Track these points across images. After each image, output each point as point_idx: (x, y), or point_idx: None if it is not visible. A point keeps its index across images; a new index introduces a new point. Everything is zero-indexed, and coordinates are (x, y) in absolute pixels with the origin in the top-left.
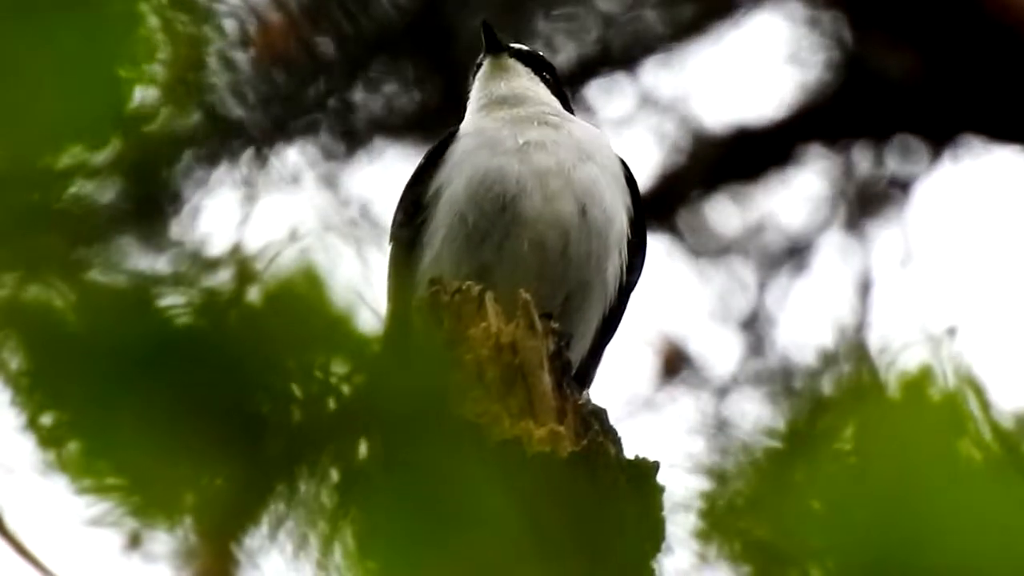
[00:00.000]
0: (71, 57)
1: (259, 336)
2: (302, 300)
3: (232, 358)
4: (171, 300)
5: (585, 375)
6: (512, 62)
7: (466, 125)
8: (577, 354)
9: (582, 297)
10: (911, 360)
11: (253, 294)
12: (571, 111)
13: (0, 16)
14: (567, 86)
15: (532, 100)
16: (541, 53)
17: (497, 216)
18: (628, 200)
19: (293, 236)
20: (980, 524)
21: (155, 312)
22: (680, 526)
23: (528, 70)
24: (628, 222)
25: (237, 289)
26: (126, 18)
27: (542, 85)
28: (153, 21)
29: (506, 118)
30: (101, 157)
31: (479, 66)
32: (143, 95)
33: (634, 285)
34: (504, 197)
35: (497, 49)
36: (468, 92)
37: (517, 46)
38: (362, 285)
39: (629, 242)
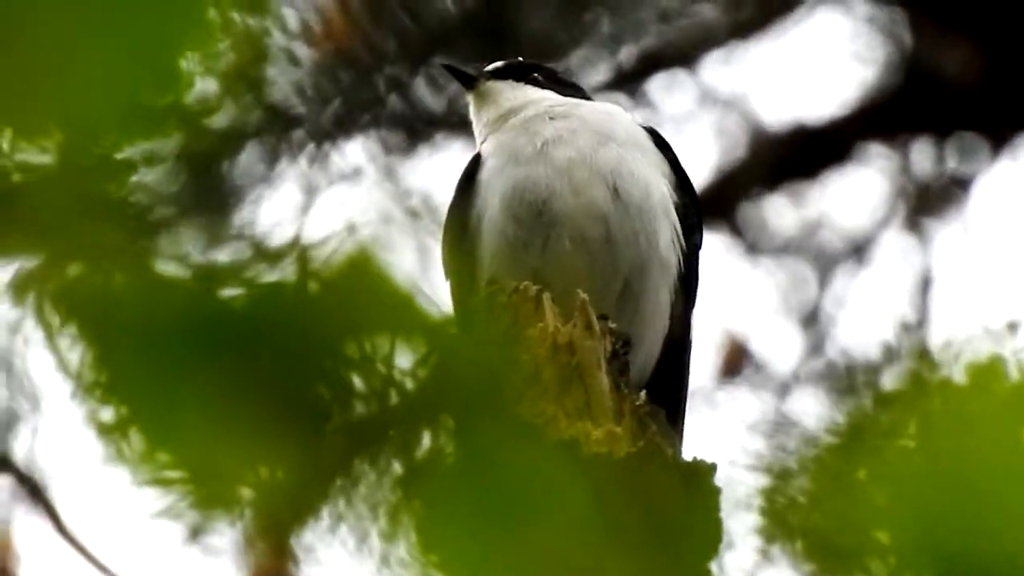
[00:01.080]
0: (134, 45)
1: (321, 324)
2: (364, 288)
3: (294, 347)
4: (233, 288)
5: (681, 345)
6: (491, 84)
7: (485, 146)
8: (657, 332)
9: (641, 278)
10: (975, 354)
11: (315, 282)
12: (584, 95)
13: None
14: (627, 82)
15: (529, 104)
16: (520, 59)
17: (535, 222)
18: (665, 166)
19: (354, 226)
20: None
21: (216, 301)
22: (741, 525)
23: (510, 82)
24: (671, 187)
25: (299, 277)
26: (189, 8)
27: (531, 87)
28: (215, 13)
29: (516, 125)
30: (162, 147)
31: (467, 105)
32: (205, 86)
33: (698, 247)
34: (537, 203)
35: (470, 81)
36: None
37: (491, 66)
38: (422, 274)
39: (679, 206)
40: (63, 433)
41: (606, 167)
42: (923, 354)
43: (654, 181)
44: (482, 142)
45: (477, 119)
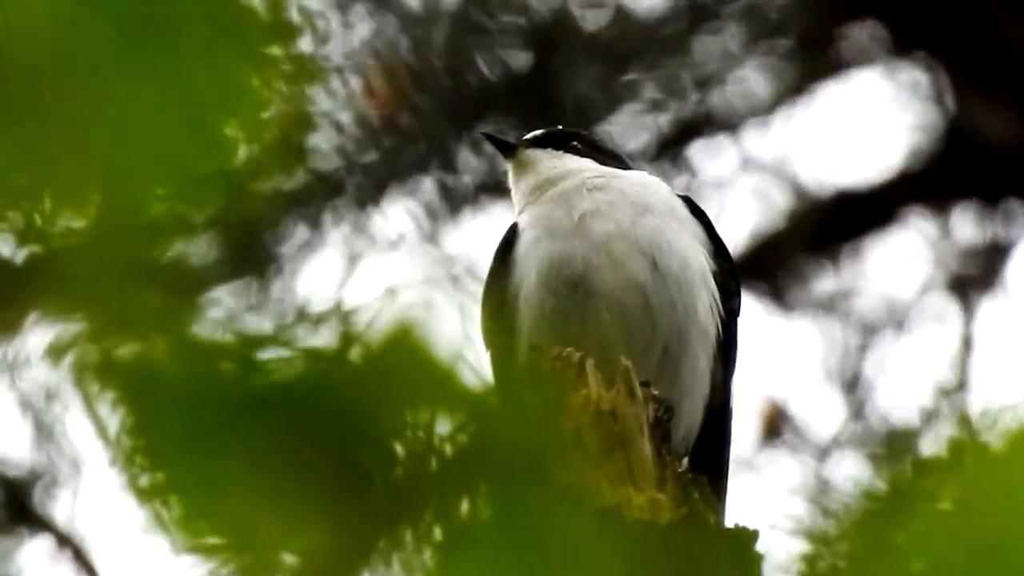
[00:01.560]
0: (177, 111)
1: (363, 392)
2: (407, 356)
3: (335, 414)
4: (275, 355)
5: (722, 412)
6: (530, 153)
7: (522, 217)
8: (697, 399)
9: (680, 345)
10: (1015, 421)
11: (358, 349)
12: (623, 164)
13: (109, 67)
14: (669, 147)
15: (568, 174)
16: (560, 127)
17: (572, 296)
18: (702, 234)
19: (396, 292)
20: None
21: (258, 367)
22: None
23: (549, 151)
24: (709, 255)
25: (342, 344)
26: (235, 75)
27: (570, 156)
28: (262, 80)
29: (554, 196)
30: (204, 214)
31: (506, 173)
32: (249, 152)
33: (737, 313)
34: (574, 278)
35: (510, 150)
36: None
37: (531, 135)
38: (464, 342)
39: (717, 273)
40: (104, 498)
41: (644, 239)
42: (963, 420)
43: (692, 251)
44: (520, 212)
45: (516, 188)
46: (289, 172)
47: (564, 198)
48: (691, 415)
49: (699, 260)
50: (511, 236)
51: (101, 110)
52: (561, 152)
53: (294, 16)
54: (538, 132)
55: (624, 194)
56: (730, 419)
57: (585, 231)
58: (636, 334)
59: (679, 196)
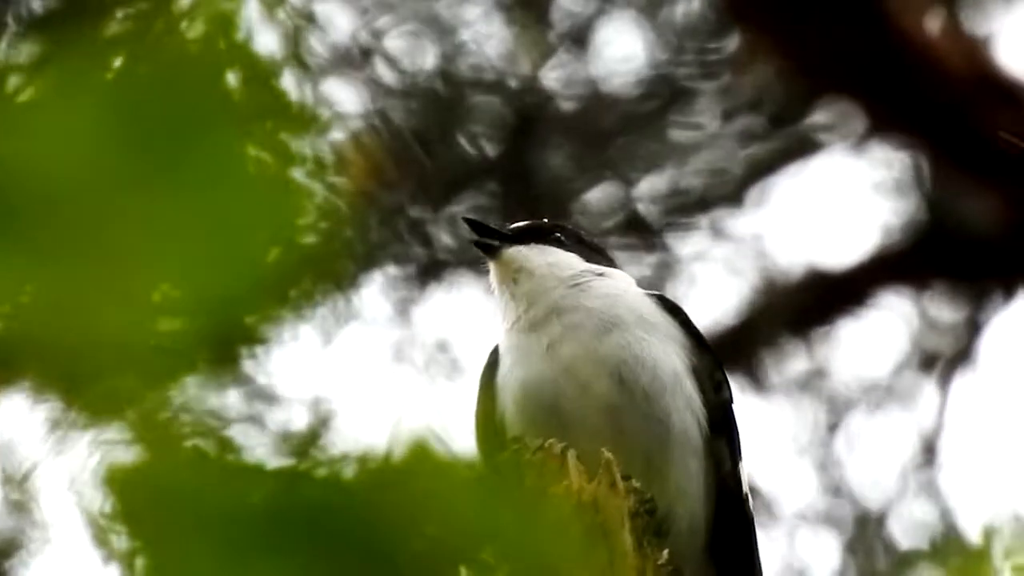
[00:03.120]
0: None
1: (383, 514)
2: (426, 475)
3: (358, 531)
4: (292, 480)
5: (738, 498)
6: (512, 252)
7: (501, 343)
8: (693, 499)
9: (662, 454)
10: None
11: (376, 472)
12: (607, 257)
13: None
14: (644, 227)
15: (549, 278)
16: (545, 220)
17: (549, 422)
18: (678, 333)
19: (403, 418)
20: None
21: (275, 493)
22: None
23: (532, 247)
24: (688, 351)
25: (343, 460)
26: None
27: (554, 250)
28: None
29: (524, 326)
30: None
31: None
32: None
33: (729, 401)
34: (546, 405)
35: (490, 249)
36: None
37: (515, 226)
38: (452, 440)
39: (698, 368)
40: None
41: (610, 359)
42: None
43: (663, 358)
44: (505, 320)
45: (498, 293)
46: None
47: (535, 324)
48: (690, 516)
49: (671, 365)
50: (493, 360)
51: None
52: (545, 247)
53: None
54: (522, 224)
55: (591, 312)
56: (747, 504)
57: (554, 356)
58: (615, 451)
59: (652, 295)
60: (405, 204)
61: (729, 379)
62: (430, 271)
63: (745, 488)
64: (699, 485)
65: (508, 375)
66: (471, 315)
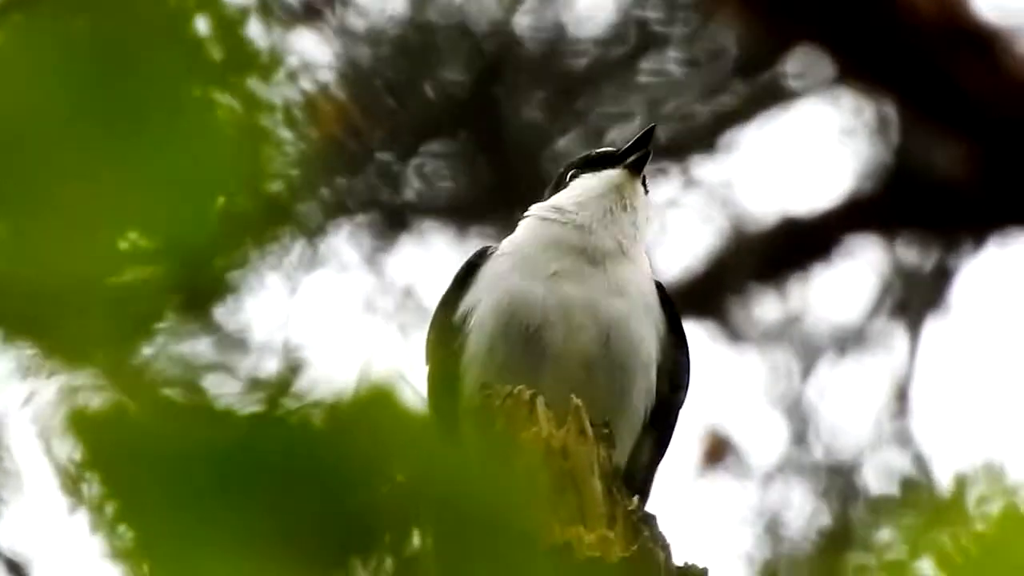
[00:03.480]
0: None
1: (339, 449)
2: (382, 413)
3: (311, 472)
4: (248, 413)
5: (641, 496)
6: (642, 189)
7: (506, 242)
8: None
9: (613, 420)
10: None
11: (328, 413)
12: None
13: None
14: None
15: (629, 230)
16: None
17: (522, 343)
18: (663, 326)
19: (368, 360)
20: None
21: (228, 430)
22: None
23: (645, 191)
24: (665, 347)
25: (307, 408)
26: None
27: (647, 200)
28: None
29: (548, 242)
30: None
31: (593, 162)
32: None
33: (680, 404)
34: (528, 325)
35: (638, 168)
36: (560, 181)
37: (639, 155)
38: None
39: (667, 364)
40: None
41: (605, 316)
42: (925, 484)
43: (646, 342)
44: (549, 207)
45: (596, 194)
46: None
47: (559, 245)
48: None
49: (648, 351)
50: (478, 259)
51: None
52: (647, 197)
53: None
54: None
55: (607, 274)
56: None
57: (555, 286)
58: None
59: (656, 281)
60: (374, 151)
61: (690, 384)
62: (399, 219)
63: (650, 490)
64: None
65: (499, 276)
66: (439, 264)
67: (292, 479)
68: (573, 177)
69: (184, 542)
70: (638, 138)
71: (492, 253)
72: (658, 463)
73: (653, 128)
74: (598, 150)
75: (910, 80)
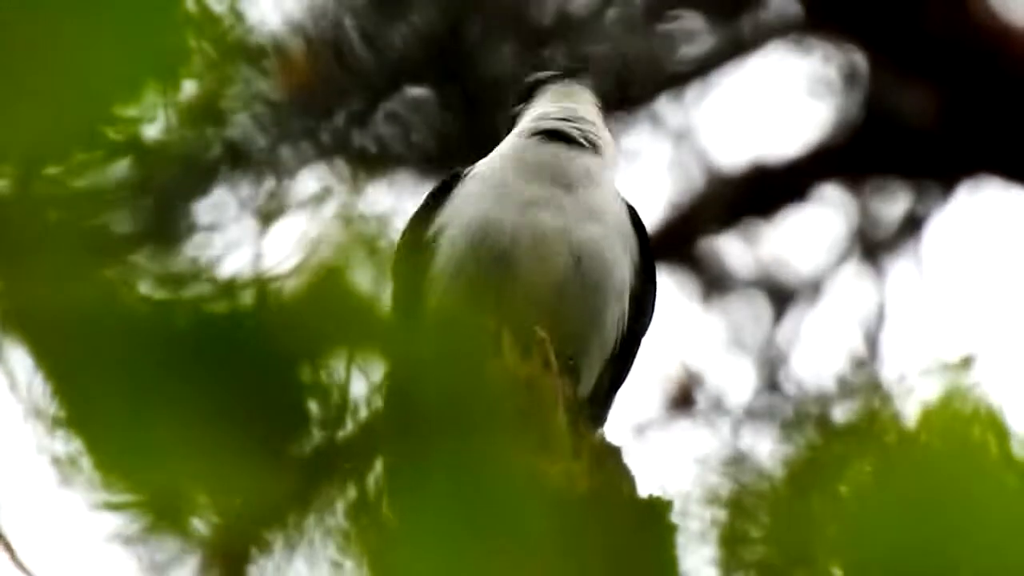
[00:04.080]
0: (100, 69)
1: (282, 343)
2: (329, 304)
3: (253, 367)
4: (191, 308)
5: (595, 421)
6: (586, 91)
7: (480, 165)
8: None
9: (582, 347)
10: (929, 388)
11: (278, 299)
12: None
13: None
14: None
15: (595, 143)
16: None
17: (491, 265)
18: (635, 249)
19: (317, 244)
20: (1001, 552)
21: (173, 321)
22: (697, 559)
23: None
24: (634, 271)
25: (259, 295)
26: (158, 36)
27: (602, 123)
28: (183, 43)
29: (522, 165)
30: (120, 174)
31: (538, 85)
32: (168, 116)
33: (643, 332)
34: (498, 247)
35: (578, 74)
36: (517, 111)
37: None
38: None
39: (636, 290)
40: (15, 455)
41: (578, 241)
42: (876, 388)
43: (619, 265)
44: (522, 124)
45: (557, 101)
46: (207, 137)
47: (531, 171)
48: None
49: (622, 274)
50: (451, 182)
51: (19, 66)
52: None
53: None
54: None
55: (579, 198)
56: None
57: (528, 212)
58: (547, 326)
59: (628, 204)
60: (343, 99)
61: (654, 312)
62: (370, 165)
63: (607, 415)
64: (588, 390)
65: (470, 199)
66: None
67: (241, 361)
68: (531, 98)
69: (127, 430)
70: (576, 61)
71: (467, 175)
72: (617, 392)
73: (589, 56)
74: (545, 73)
75: (877, 27)
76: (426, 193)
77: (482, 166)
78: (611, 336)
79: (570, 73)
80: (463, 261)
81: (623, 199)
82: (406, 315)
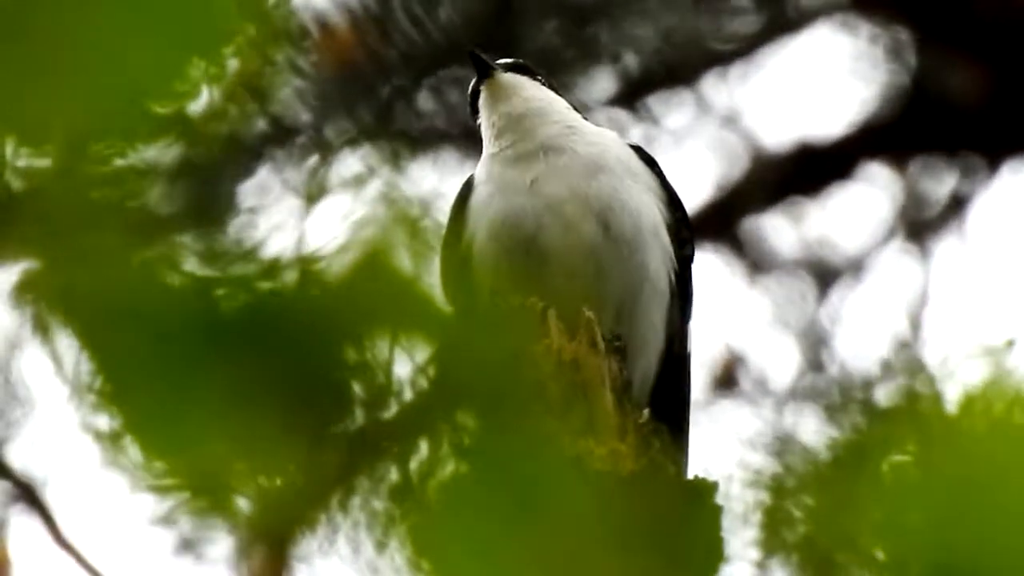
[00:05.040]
0: (141, 50)
1: (325, 327)
2: (371, 287)
3: (296, 352)
4: (234, 292)
5: (681, 361)
6: (508, 77)
7: (479, 170)
8: (652, 352)
9: (633, 303)
10: (971, 372)
11: (320, 284)
12: (576, 109)
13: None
14: (629, 97)
15: (544, 113)
16: (523, 62)
17: (525, 256)
18: (655, 184)
19: (360, 226)
20: None
21: (216, 305)
22: (742, 541)
23: (526, 79)
24: (662, 204)
25: (302, 280)
26: (199, 16)
27: (546, 88)
28: (225, 22)
29: (510, 156)
30: (163, 154)
31: (476, 94)
32: (210, 94)
33: (690, 258)
34: (526, 239)
35: (487, 71)
36: (477, 125)
37: (505, 61)
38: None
39: (670, 222)
40: (60, 438)
41: (597, 202)
42: (920, 370)
43: (645, 207)
44: (490, 146)
45: (488, 114)
46: (249, 115)
47: (521, 157)
48: (646, 368)
49: (652, 215)
50: (466, 191)
51: (62, 48)
52: (538, 83)
53: None
54: (510, 60)
55: (578, 155)
56: (689, 365)
57: (537, 192)
58: (590, 295)
59: (631, 145)
60: (388, 75)
61: (693, 236)
62: (414, 141)
63: (689, 348)
64: (659, 340)
65: (485, 205)
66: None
67: (285, 341)
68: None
69: (170, 416)
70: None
71: (474, 183)
72: (687, 327)
73: (471, 52)
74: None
75: (924, 5)
76: (449, 210)
77: (480, 172)
78: (661, 279)
79: (483, 71)
80: (497, 260)
81: (622, 141)
82: (452, 300)
